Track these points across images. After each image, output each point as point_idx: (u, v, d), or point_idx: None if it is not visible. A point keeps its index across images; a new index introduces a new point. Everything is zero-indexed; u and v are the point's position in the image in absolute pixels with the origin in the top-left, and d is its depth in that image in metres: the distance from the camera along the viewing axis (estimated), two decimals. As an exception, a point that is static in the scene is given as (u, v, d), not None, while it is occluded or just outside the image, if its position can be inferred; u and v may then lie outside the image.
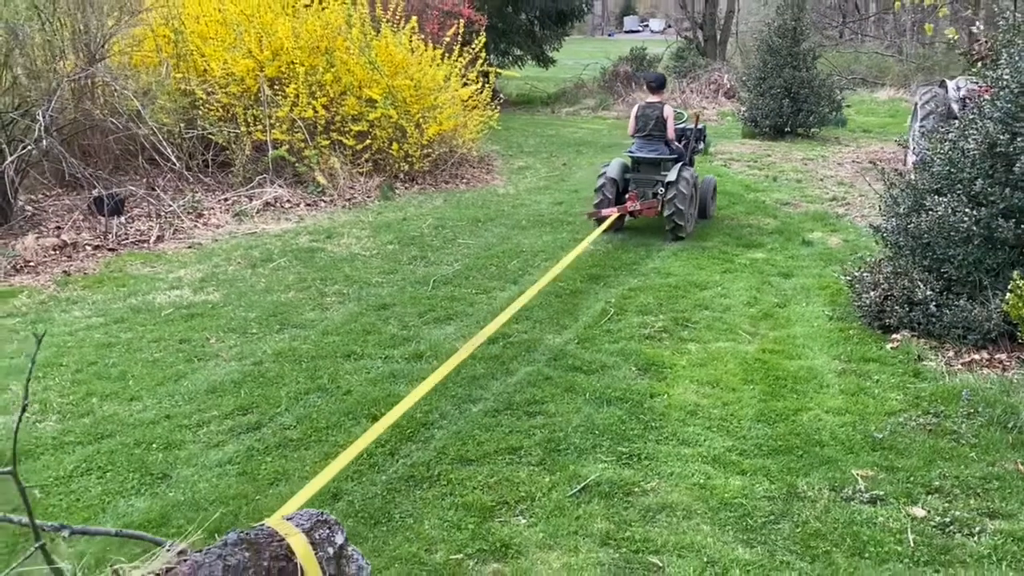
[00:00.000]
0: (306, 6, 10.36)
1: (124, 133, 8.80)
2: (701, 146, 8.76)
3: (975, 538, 3.40)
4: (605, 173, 8.11)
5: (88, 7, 8.56)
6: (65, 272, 6.88)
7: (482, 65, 11.96)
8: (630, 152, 8.20)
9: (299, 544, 2.55)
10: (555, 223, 8.72)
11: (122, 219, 8.08)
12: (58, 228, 7.78)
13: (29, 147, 7.70)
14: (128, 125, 8.71)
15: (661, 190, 7.89)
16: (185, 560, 2.46)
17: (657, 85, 8.35)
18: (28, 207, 8.17)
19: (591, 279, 6.74)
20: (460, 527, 3.46)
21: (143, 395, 4.65)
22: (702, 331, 5.69)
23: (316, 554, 2.57)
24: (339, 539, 2.71)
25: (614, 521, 3.51)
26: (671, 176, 7.76)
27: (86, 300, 6.25)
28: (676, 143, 8.14)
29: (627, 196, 7.99)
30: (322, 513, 2.76)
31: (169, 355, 5.20)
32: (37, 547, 2.29)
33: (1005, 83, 5.35)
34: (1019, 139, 5.11)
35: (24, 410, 2.23)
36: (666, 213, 7.85)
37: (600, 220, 7.88)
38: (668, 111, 8.07)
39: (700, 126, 8.62)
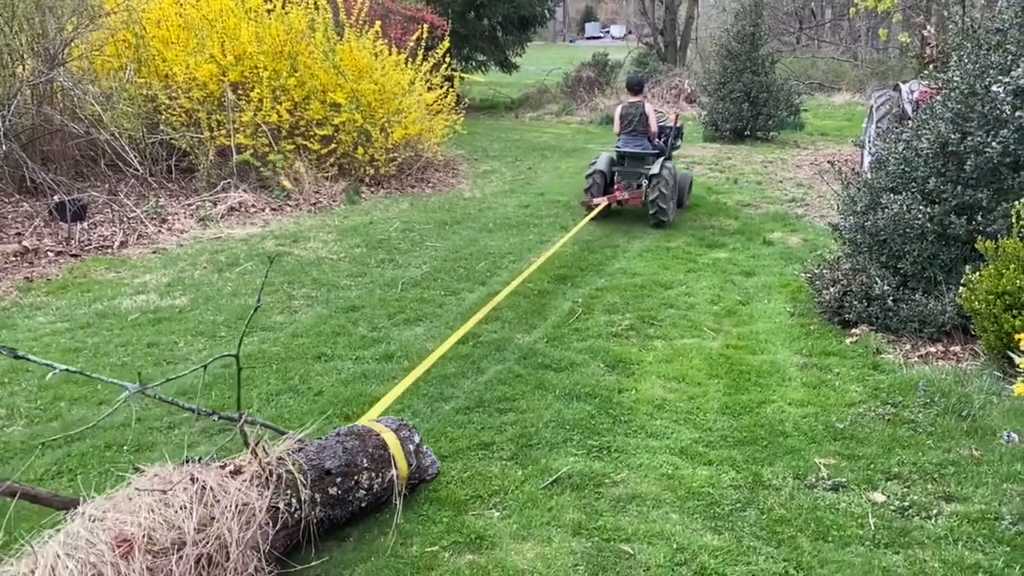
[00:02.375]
0: (269, 11, 10.33)
1: (85, 138, 8.71)
2: (679, 143, 9.48)
3: (932, 521, 3.53)
4: (594, 166, 8.85)
5: (47, 11, 8.47)
6: (27, 278, 6.79)
7: (446, 70, 12.02)
8: (616, 147, 8.95)
9: (390, 438, 3.50)
10: (522, 225, 8.80)
11: (84, 225, 7.99)
12: (19, 234, 7.68)
13: (-12, 152, 7.60)
14: (89, 130, 8.62)
15: (644, 182, 8.63)
16: (311, 443, 3.32)
17: (637, 87, 9.16)
18: (-13, 213, 8.05)
19: (558, 279, 6.82)
20: (435, 520, 3.50)
21: (112, 399, 4.62)
22: (668, 328, 5.80)
23: (402, 447, 3.50)
24: (416, 439, 3.62)
25: (585, 512, 3.58)
26: (654, 169, 8.45)
27: (50, 306, 6.19)
28: (657, 139, 8.85)
29: (615, 187, 8.72)
30: (402, 420, 3.75)
31: (137, 359, 5.18)
32: (239, 427, 3.16)
33: (955, 85, 5.54)
34: (969, 139, 5.29)
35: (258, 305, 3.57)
36: (651, 200, 8.51)
37: (591, 208, 8.52)
38: (649, 109, 8.87)
39: (679, 124, 9.33)
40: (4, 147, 7.77)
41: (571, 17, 71.91)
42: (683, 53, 25.54)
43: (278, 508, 2.99)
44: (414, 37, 11.87)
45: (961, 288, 4.95)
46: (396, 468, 3.41)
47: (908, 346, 5.39)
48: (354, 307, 6.16)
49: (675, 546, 3.35)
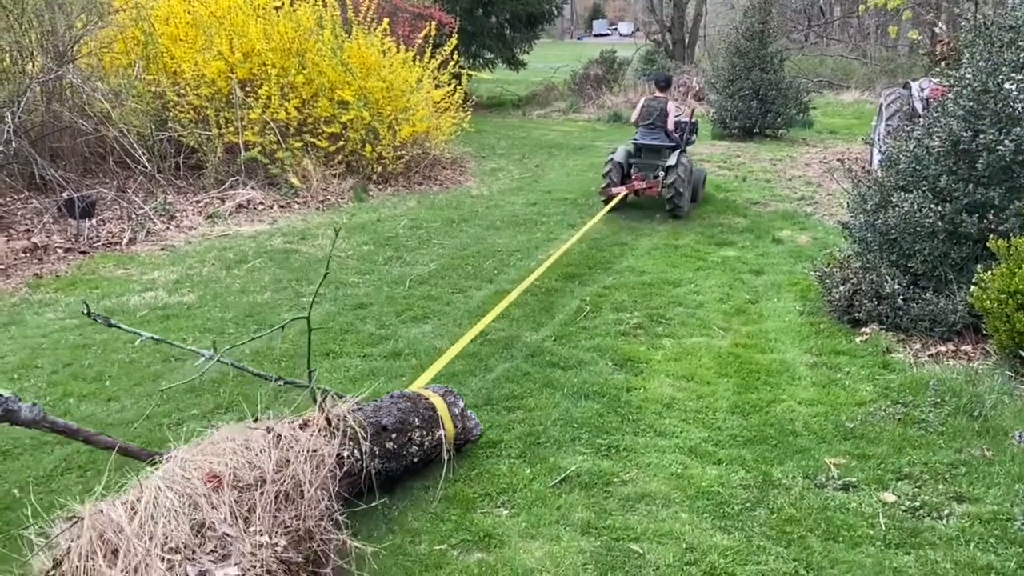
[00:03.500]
0: (277, 8, 10.33)
1: (94, 135, 8.73)
2: (693, 137, 9.83)
3: (943, 521, 3.51)
4: (612, 158, 9.08)
5: (56, 9, 8.48)
6: (36, 275, 6.81)
7: (454, 67, 12.00)
8: (634, 140, 9.18)
9: (439, 402, 3.88)
10: (529, 223, 8.79)
11: (93, 221, 8.01)
12: (28, 231, 7.70)
13: (-2, 149, 7.62)
14: (98, 127, 8.64)
15: (661, 173, 8.83)
16: (369, 404, 3.71)
17: (665, 84, 9.68)
18: (-3, 210, 8.08)
19: (566, 278, 6.81)
20: (443, 518, 3.50)
21: (121, 395, 4.63)
22: (676, 327, 5.78)
23: (449, 410, 3.86)
24: (461, 404, 4.01)
25: (594, 511, 3.57)
26: (671, 161, 8.71)
27: (59, 302, 6.20)
28: (674, 133, 9.09)
29: (633, 177, 8.96)
30: (448, 387, 4.13)
31: (146, 355, 5.18)
32: (311, 386, 3.67)
33: (967, 82, 5.50)
34: (981, 136, 5.25)
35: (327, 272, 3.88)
36: (666, 194, 8.74)
37: (610, 198, 8.73)
38: (671, 106, 9.14)
39: (693, 120, 9.71)
40: (14, 144, 7.79)
41: (579, 14, 71.81)
42: (691, 50, 25.50)
43: (343, 456, 3.35)
44: (422, 34, 11.86)
45: (972, 287, 4.91)
46: (444, 428, 3.80)
47: (919, 345, 5.36)
48: (362, 304, 6.16)
49: (684, 546, 3.34)
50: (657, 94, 9.43)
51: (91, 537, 2.66)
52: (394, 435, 3.62)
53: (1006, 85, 5.28)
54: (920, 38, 20.51)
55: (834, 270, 5.98)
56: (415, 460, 3.70)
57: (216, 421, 3.58)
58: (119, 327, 3.50)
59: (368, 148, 10.42)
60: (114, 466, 3.86)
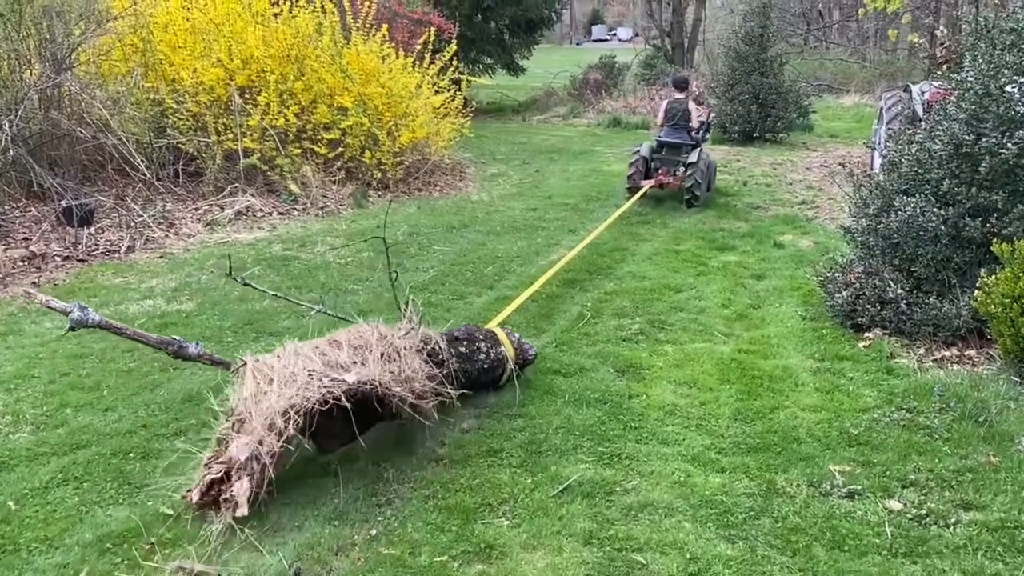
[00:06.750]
0: (276, 15, 10.31)
1: (92, 143, 8.69)
2: (708, 136, 10.59)
3: (951, 529, 3.46)
4: (638, 153, 9.73)
5: (54, 16, 8.46)
6: (34, 283, 6.77)
7: (453, 73, 11.98)
8: (659, 137, 9.90)
9: (499, 331, 4.78)
10: (529, 229, 8.76)
11: (91, 229, 7.98)
12: (26, 239, 7.67)
13: (-5, 157, 7.59)
14: (96, 135, 8.61)
15: (682, 169, 9.52)
16: (445, 332, 4.57)
17: (683, 85, 10.33)
18: (-5, 218, 8.04)
19: (567, 283, 6.77)
20: (443, 529, 3.46)
21: (118, 405, 4.59)
22: (678, 333, 5.74)
23: (508, 336, 4.75)
24: (517, 335, 4.89)
25: (597, 520, 3.53)
26: (692, 158, 9.41)
27: (57, 311, 6.15)
28: (696, 132, 9.74)
29: (659, 172, 9.63)
30: (504, 326, 5.02)
31: (144, 364, 5.15)
32: (406, 300, 4.49)
33: (969, 85, 5.47)
34: (983, 140, 5.22)
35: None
36: (686, 185, 9.40)
37: (635, 190, 9.33)
38: (692, 106, 9.85)
39: (710, 119, 10.58)
40: (12, 152, 7.76)
41: (578, 20, 71.84)
42: (691, 55, 25.46)
43: (427, 344, 4.27)
44: (421, 40, 11.83)
45: (976, 291, 4.88)
46: (503, 346, 4.64)
47: (922, 350, 5.31)
48: (361, 312, 6.09)
49: (688, 555, 3.29)
50: (677, 95, 10.02)
51: (252, 371, 3.73)
52: (464, 343, 4.47)
53: (1008, 88, 5.25)
54: (920, 41, 20.51)
55: (836, 275, 5.94)
56: (485, 366, 4.50)
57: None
58: (253, 286, 4.64)
59: (367, 154, 10.39)
60: (111, 478, 3.84)
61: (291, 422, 3.52)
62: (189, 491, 3.60)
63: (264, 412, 3.55)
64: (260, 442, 3.47)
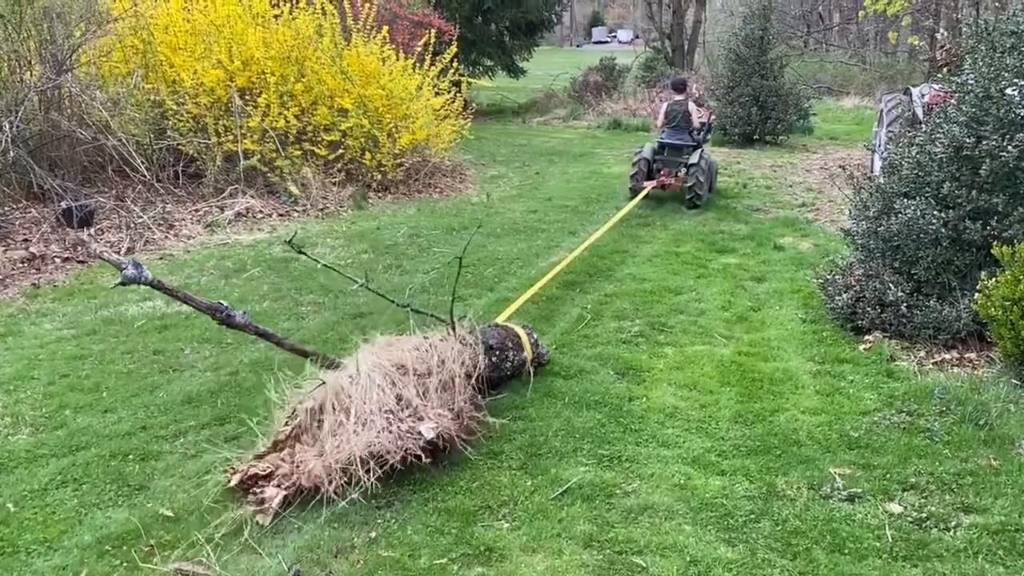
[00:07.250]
0: (276, 16, 10.31)
1: (92, 144, 8.69)
2: (710, 137, 10.79)
3: (951, 532, 3.46)
4: (640, 154, 9.84)
5: (55, 17, 8.46)
6: (34, 284, 6.77)
7: (453, 75, 11.98)
8: (660, 139, 9.96)
9: (521, 332, 4.89)
10: (529, 231, 8.75)
11: (91, 231, 7.98)
12: (26, 240, 7.66)
13: (-5, 158, 7.58)
14: (96, 136, 8.61)
15: (683, 170, 9.59)
16: (478, 328, 4.64)
17: (682, 87, 10.35)
18: (-6, 219, 8.04)
19: (567, 285, 6.76)
20: (443, 531, 3.45)
21: (118, 406, 4.59)
22: (678, 335, 5.74)
23: (529, 338, 4.89)
24: (535, 336, 5.03)
25: (596, 523, 3.52)
26: (693, 159, 9.47)
27: (56, 312, 6.16)
28: (696, 133, 9.83)
29: (661, 173, 9.69)
30: (525, 323, 5.19)
31: (143, 366, 5.14)
32: (450, 307, 4.62)
33: (970, 88, 5.47)
34: (984, 142, 5.22)
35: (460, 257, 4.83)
36: (688, 186, 9.48)
37: (637, 191, 9.41)
38: (692, 107, 9.94)
39: (711, 121, 10.75)
40: (12, 153, 7.75)
41: (578, 22, 71.87)
42: (691, 57, 25.45)
43: (473, 363, 4.40)
44: (421, 42, 11.83)
45: (977, 294, 4.87)
46: (525, 351, 4.81)
47: (923, 353, 5.31)
48: (361, 313, 6.12)
49: (688, 559, 3.29)
50: (677, 97, 10.05)
51: (328, 394, 3.83)
52: (496, 352, 4.64)
53: (1008, 91, 5.25)
54: (920, 44, 20.52)
55: (836, 277, 5.94)
56: (507, 374, 4.71)
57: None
58: (308, 255, 4.70)
59: (368, 156, 10.39)
60: (110, 480, 3.84)
61: (371, 473, 3.59)
62: (233, 470, 3.72)
63: (341, 450, 3.63)
64: (329, 481, 3.57)
